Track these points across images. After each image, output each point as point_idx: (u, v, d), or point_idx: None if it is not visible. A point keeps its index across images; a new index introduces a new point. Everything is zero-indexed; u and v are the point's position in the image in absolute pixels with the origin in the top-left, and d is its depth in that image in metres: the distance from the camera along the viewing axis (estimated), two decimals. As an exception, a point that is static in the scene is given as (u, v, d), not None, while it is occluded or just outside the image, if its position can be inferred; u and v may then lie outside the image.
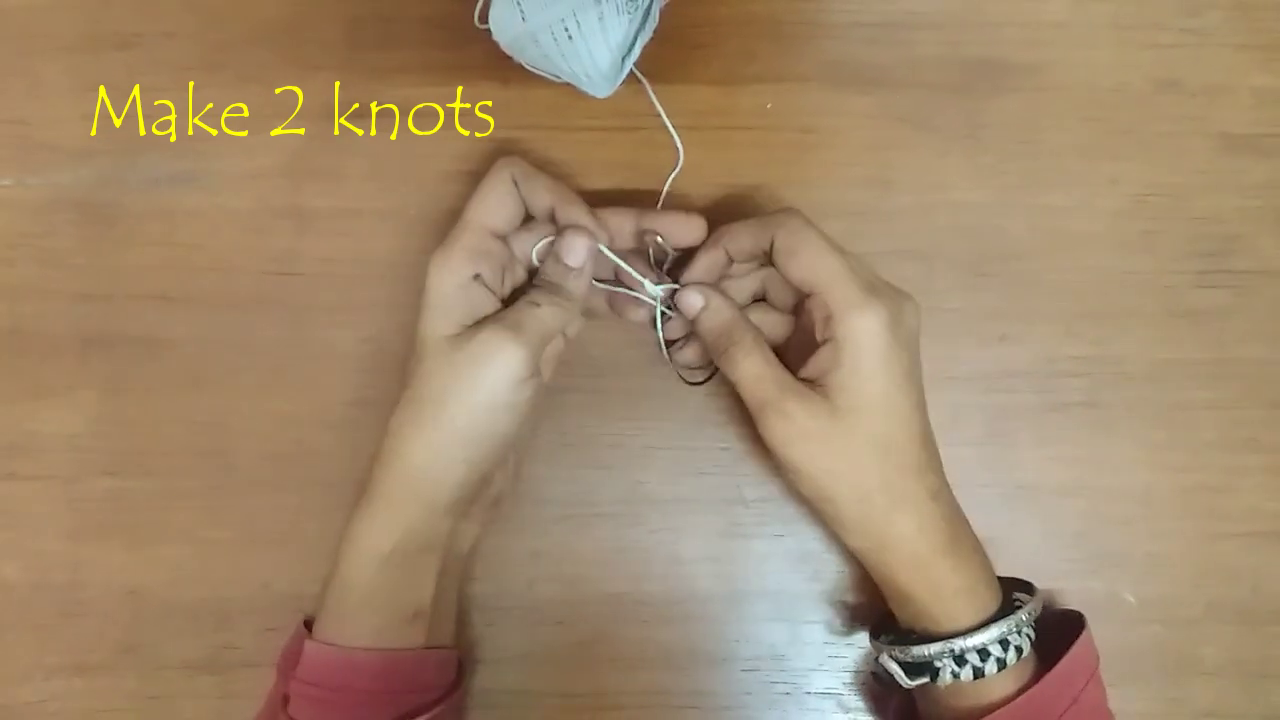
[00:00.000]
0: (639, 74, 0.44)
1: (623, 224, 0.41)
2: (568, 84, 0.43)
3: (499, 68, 0.44)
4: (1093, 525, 0.44)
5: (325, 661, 0.37)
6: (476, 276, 0.38)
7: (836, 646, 0.44)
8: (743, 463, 0.44)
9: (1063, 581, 0.44)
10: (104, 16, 0.45)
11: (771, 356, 0.38)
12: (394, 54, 0.45)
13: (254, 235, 0.45)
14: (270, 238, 0.45)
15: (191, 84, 0.45)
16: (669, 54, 0.44)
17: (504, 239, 0.39)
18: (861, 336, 0.36)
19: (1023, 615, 0.37)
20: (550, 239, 0.39)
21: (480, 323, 0.38)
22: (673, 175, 0.45)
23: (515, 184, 0.39)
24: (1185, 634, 0.44)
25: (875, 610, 0.43)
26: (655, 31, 0.43)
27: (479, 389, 0.37)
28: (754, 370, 0.38)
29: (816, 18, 0.45)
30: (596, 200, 0.44)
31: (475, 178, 0.44)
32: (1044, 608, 0.39)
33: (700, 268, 0.40)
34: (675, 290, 0.40)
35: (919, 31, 0.45)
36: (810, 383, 0.37)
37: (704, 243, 0.40)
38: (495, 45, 0.42)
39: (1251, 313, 0.45)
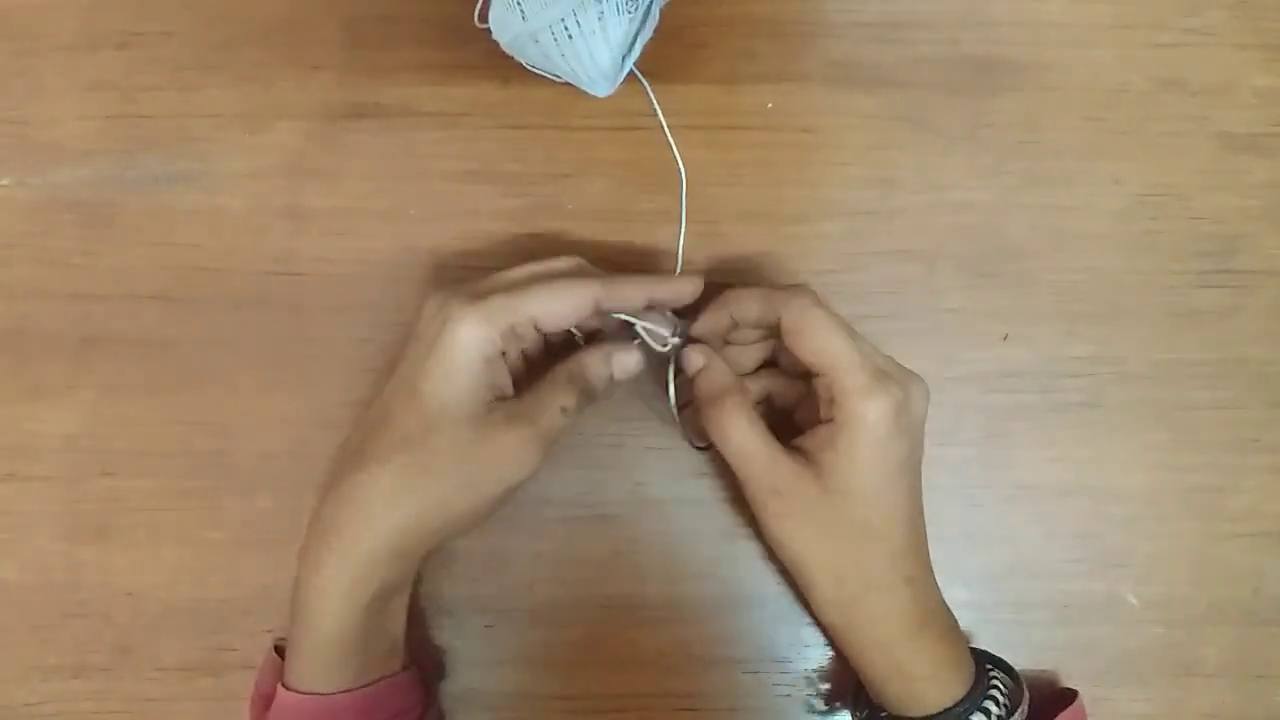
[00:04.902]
0: (639, 73, 0.44)
1: (635, 295, 0.38)
2: (568, 83, 0.43)
3: (499, 67, 0.44)
4: (1094, 526, 0.44)
5: (305, 711, 0.37)
6: (503, 354, 0.37)
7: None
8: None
9: (1064, 582, 0.44)
10: (103, 16, 0.45)
11: (763, 429, 0.37)
12: (393, 53, 0.45)
13: (253, 235, 0.44)
14: (269, 237, 0.44)
15: (190, 83, 0.45)
16: (669, 53, 0.44)
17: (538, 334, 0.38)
18: (861, 426, 0.35)
19: (996, 695, 0.37)
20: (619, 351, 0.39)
21: (508, 418, 0.36)
22: (683, 194, 0.44)
23: (595, 301, 0.37)
24: (1187, 635, 0.44)
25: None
26: (656, 31, 0.43)
27: (492, 483, 0.36)
28: (744, 443, 0.37)
29: (817, 17, 0.45)
30: (600, 213, 0.44)
31: (475, 177, 0.45)
32: (1037, 685, 0.39)
33: (704, 324, 0.40)
34: (681, 346, 0.40)
35: (920, 31, 0.45)
36: (803, 453, 0.37)
37: (712, 303, 0.40)
38: (495, 45, 0.42)
39: (1253, 313, 0.45)
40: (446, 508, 0.36)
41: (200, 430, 0.44)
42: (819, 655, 0.44)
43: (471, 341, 0.35)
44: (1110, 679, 0.44)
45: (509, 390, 0.38)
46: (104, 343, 0.44)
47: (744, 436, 0.37)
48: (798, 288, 0.38)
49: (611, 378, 0.39)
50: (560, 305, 0.36)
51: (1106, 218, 0.45)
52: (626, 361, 0.39)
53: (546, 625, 0.44)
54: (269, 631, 0.43)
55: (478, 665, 0.44)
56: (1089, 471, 0.44)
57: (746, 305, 0.39)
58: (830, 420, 0.36)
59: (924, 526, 0.39)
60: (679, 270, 0.44)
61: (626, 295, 0.38)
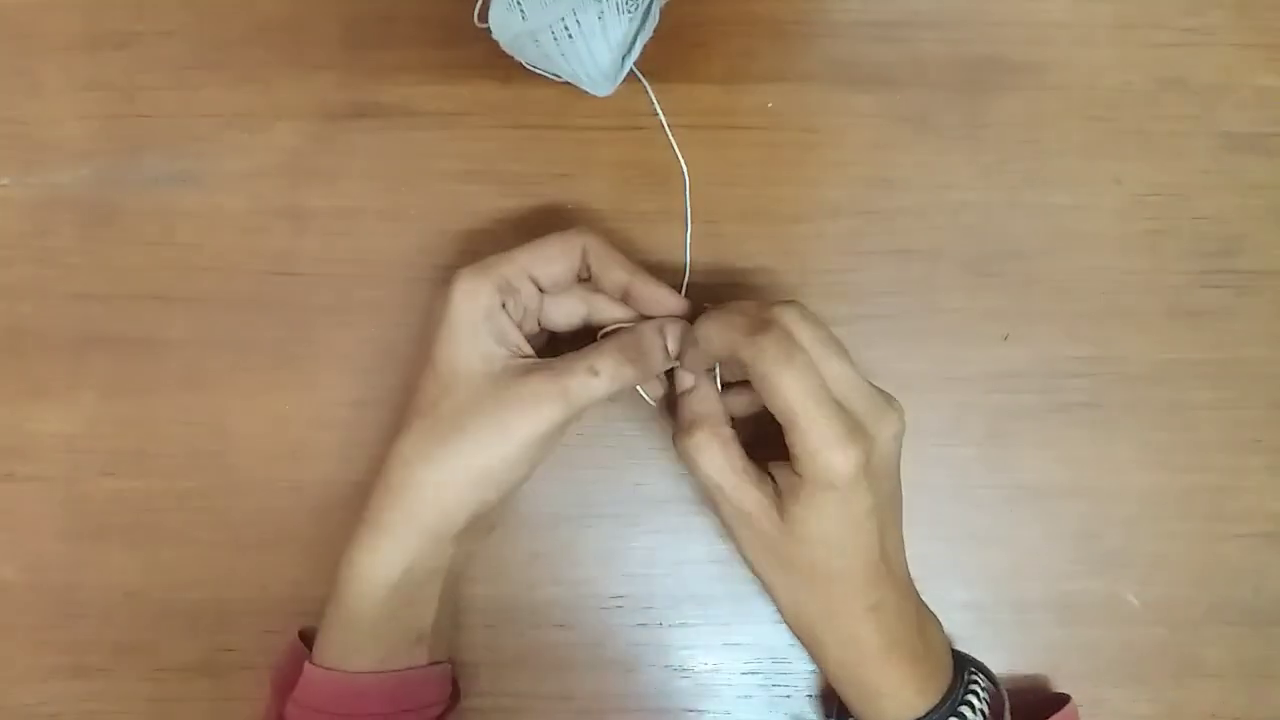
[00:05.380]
0: (639, 73, 0.44)
1: (619, 275, 0.38)
2: (568, 83, 0.43)
3: (499, 67, 0.44)
4: (1095, 526, 0.44)
5: (329, 687, 0.37)
6: (502, 305, 0.37)
7: (838, 648, 0.44)
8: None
9: (1065, 583, 0.44)
10: (102, 16, 0.45)
11: (737, 458, 0.36)
12: (393, 53, 0.45)
13: (253, 235, 0.44)
14: (269, 237, 0.44)
15: (190, 83, 0.45)
16: (670, 53, 0.44)
17: (538, 293, 0.38)
18: (823, 486, 0.34)
19: (965, 712, 0.37)
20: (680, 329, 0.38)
21: (525, 370, 0.36)
22: (687, 194, 0.44)
23: (584, 253, 0.38)
24: (1188, 635, 0.44)
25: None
26: (656, 30, 0.43)
27: (511, 439, 0.35)
28: (711, 474, 0.36)
29: (818, 17, 0.45)
30: (600, 213, 0.44)
31: (475, 177, 0.45)
32: (1035, 686, 0.39)
33: (688, 367, 0.38)
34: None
35: (921, 30, 0.45)
36: (775, 484, 0.36)
37: (686, 340, 0.38)
38: (495, 44, 0.42)
39: (1254, 312, 0.45)
40: (466, 467, 0.36)
41: (200, 430, 0.44)
42: (819, 655, 0.44)
43: (466, 295, 0.36)
44: (1110, 679, 0.44)
45: (523, 346, 0.37)
46: (104, 343, 0.44)
47: (712, 467, 0.36)
48: (768, 332, 0.34)
49: (665, 349, 0.38)
50: (548, 252, 0.37)
51: (1107, 217, 0.45)
52: (679, 331, 0.38)
53: (547, 626, 0.44)
54: (269, 631, 0.43)
55: (478, 665, 0.44)
56: (1089, 472, 0.44)
57: (715, 341, 0.36)
58: (796, 468, 0.34)
59: (899, 553, 0.38)
60: (687, 270, 0.43)
61: (614, 266, 0.38)
